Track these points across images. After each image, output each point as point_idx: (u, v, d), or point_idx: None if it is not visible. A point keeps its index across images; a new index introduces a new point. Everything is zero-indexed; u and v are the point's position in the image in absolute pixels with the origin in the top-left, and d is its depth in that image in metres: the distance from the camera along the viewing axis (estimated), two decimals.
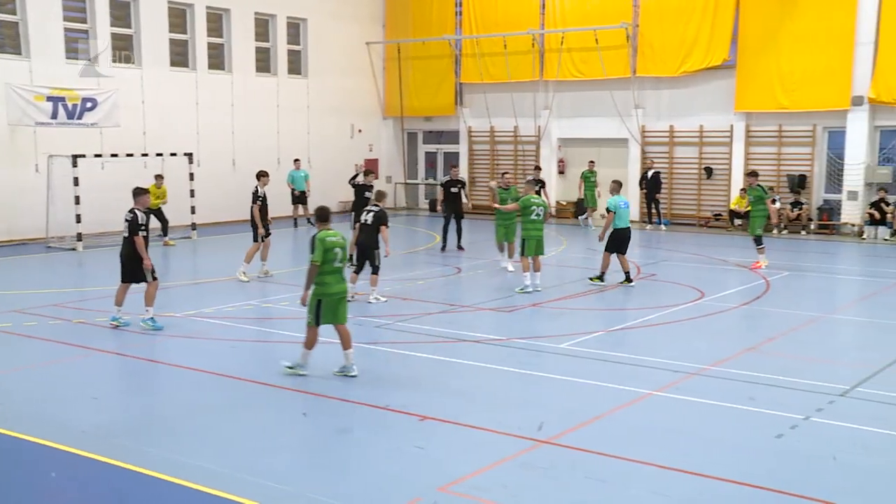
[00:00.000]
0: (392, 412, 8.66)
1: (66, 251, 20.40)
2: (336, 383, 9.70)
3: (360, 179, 18.66)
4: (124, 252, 12.43)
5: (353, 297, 14.16)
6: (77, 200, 20.50)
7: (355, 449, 7.74)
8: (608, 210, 15.67)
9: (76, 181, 20.45)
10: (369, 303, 14.04)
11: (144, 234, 12.31)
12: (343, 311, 9.92)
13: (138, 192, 12.63)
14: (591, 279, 15.88)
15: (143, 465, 7.26)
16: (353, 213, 17.52)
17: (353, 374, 9.86)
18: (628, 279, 15.56)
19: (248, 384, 9.74)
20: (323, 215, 10.05)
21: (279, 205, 23.55)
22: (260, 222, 15.93)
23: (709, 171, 25.51)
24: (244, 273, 16.04)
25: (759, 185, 17.97)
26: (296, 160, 25.29)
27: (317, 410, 8.85)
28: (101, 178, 22.01)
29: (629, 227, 15.76)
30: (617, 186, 16.03)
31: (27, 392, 9.49)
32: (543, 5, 27.62)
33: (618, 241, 15.62)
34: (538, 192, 22.14)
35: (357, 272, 14.22)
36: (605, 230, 15.73)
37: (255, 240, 16.18)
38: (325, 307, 9.75)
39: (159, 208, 21.08)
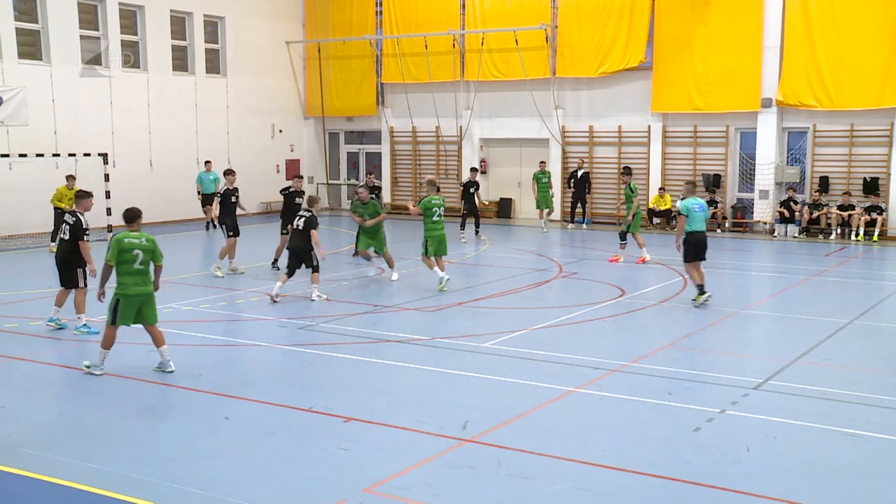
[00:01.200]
0: (316, 414, 8.59)
1: None
2: (259, 387, 9.58)
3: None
4: (61, 255, 12.06)
5: (278, 297, 14.01)
6: None
7: (279, 452, 7.65)
8: (679, 213, 14.29)
9: None
10: (311, 301, 14.09)
11: (88, 236, 12.01)
12: (150, 312, 10.00)
13: (82, 196, 12.29)
14: (693, 300, 14.05)
15: (56, 476, 7.04)
16: (281, 219, 17.25)
17: (169, 370, 9.96)
18: (702, 292, 13.91)
19: (167, 388, 9.54)
20: (128, 216, 10.11)
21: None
22: (216, 218, 16.68)
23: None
24: (232, 269, 16.71)
25: (627, 184, 18.97)
26: (207, 162, 24.66)
27: (239, 414, 8.70)
28: (9, 178, 21.30)
29: (704, 232, 14.17)
30: (691, 188, 14.72)
31: None
32: (464, 6, 27.76)
33: (693, 247, 14.05)
34: (473, 194, 22.34)
35: (289, 275, 14.33)
36: (678, 236, 14.28)
37: (227, 236, 16.71)
38: (123, 307, 9.80)
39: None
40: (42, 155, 21.38)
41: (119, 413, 8.77)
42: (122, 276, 9.85)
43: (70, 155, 21.99)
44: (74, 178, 20.31)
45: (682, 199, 14.63)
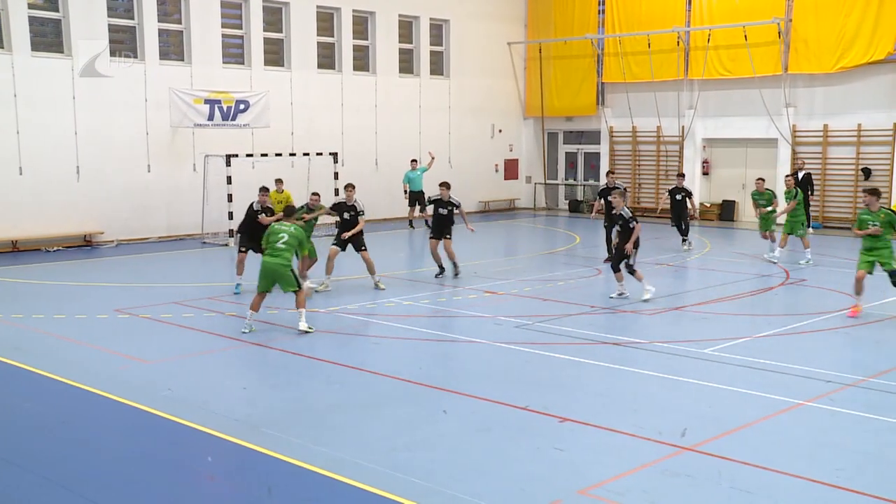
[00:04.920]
0: (532, 413, 8.64)
1: (219, 247, 21.38)
2: (476, 382, 9.77)
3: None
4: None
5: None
6: (230, 198, 21.48)
7: (495, 448, 7.77)
8: None
9: (229, 180, 21.44)
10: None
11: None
12: (283, 283, 12.25)
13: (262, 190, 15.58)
14: None
15: (289, 455, 7.53)
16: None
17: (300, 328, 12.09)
18: None
19: (388, 380, 9.93)
20: (286, 211, 12.95)
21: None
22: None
23: (867, 173, 24.21)
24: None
25: (889, 210, 13.57)
26: (413, 161, 25.38)
27: (456, 408, 8.92)
28: (251, 176, 22.92)
29: None
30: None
31: (185, 380, 10.02)
32: (689, 2, 26.91)
33: None
34: (681, 200, 20.93)
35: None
36: None
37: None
38: (260, 273, 12.28)
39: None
40: (280, 154, 22.93)
41: (345, 401, 9.23)
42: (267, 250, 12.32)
43: (304, 154, 23.45)
44: (282, 182, 19.77)
45: None
